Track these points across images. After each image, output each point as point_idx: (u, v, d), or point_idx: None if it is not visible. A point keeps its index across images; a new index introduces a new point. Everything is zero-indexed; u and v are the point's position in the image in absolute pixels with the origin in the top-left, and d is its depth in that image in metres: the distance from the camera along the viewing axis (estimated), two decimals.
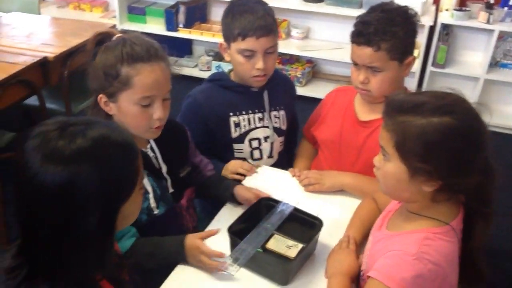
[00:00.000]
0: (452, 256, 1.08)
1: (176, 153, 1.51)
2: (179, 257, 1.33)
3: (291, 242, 1.38)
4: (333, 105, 1.81)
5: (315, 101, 3.72)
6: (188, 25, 4.02)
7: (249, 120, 1.78)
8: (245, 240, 1.29)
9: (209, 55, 4.18)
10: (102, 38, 1.29)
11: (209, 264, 1.29)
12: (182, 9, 3.96)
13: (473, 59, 3.64)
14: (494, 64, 3.55)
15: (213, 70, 4.06)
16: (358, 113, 1.71)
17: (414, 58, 1.60)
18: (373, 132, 1.65)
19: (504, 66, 3.56)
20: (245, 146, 1.79)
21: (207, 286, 1.29)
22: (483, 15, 3.31)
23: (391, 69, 1.55)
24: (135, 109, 1.29)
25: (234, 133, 1.77)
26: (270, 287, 1.29)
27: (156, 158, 1.43)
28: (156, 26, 4.10)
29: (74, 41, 2.66)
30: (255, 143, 1.81)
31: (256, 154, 1.82)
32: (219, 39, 3.86)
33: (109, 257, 0.92)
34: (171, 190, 1.48)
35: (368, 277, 1.11)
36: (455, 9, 3.37)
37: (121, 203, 0.90)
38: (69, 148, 0.83)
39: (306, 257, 1.36)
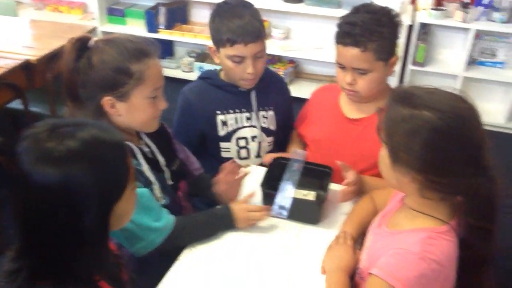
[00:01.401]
0: (453, 256, 1.09)
1: (165, 146, 1.53)
2: (229, 221, 1.44)
3: (305, 191, 1.56)
4: (319, 104, 1.82)
5: (299, 100, 3.74)
6: (169, 26, 4.01)
7: (236, 119, 1.79)
8: (280, 190, 1.46)
9: (191, 56, 4.17)
10: (81, 44, 1.28)
11: (260, 216, 1.45)
12: (162, 10, 3.94)
13: (452, 57, 3.72)
14: (472, 62, 3.63)
15: (196, 71, 4.05)
16: (345, 111, 1.72)
17: (397, 58, 1.62)
18: (362, 130, 1.67)
19: (482, 63, 3.65)
20: (232, 145, 1.81)
21: (203, 284, 1.31)
22: (459, 14, 3.38)
23: (378, 70, 1.56)
24: (146, 103, 1.32)
25: (221, 131, 1.79)
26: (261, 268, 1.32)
27: (152, 152, 1.45)
28: (136, 28, 4.07)
29: (55, 44, 2.63)
30: (242, 142, 1.82)
31: (243, 153, 1.84)
32: (200, 40, 3.92)
33: (106, 256, 0.94)
34: (170, 182, 1.50)
35: (370, 274, 1.11)
36: (432, 9, 3.44)
37: (114, 202, 0.91)
38: (58, 149, 0.84)
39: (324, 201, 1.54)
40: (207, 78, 1.81)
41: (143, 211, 1.27)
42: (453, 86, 3.20)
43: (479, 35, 3.54)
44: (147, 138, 1.45)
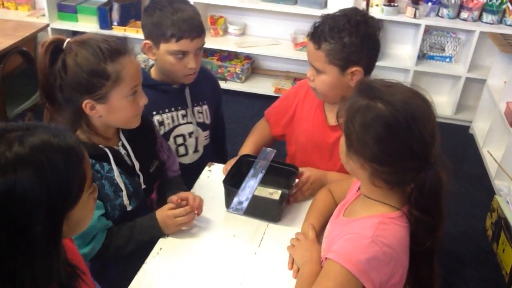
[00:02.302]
0: (405, 240, 1.14)
1: (146, 147, 1.52)
2: (155, 231, 1.39)
3: (271, 190, 1.57)
4: (303, 103, 1.79)
5: (256, 96, 3.84)
6: (123, 22, 3.93)
7: (172, 117, 1.78)
8: (242, 187, 1.47)
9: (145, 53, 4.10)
10: (54, 47, 1.25)
11: (186, 219, 1.40)
12: (116, 6, 3.86)
13: (403, 52, 3.84)
14: (422, 56, 3.77)
15: None
16: (328, 117, 1.72)
17: (360, 71, 1.53)
18: (339, 136, 1.67)
19: (431, 58, 3.79)
20: (170, 144, 1.79)
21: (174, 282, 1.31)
22: (410, 10, 3.50)
23: (330, 74, 1.54)
24: (126, 102, 1.30)
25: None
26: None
27: (128, 155, 1.43)
28: (89, 25, 3.96)
29: (4, 42, 2.52)
30: (180, 140, 1.82)
31: (182, 150, 1.84)
32: None
33: (59, 267, 0.88)
34: (143, 186, 1.48)
35: (326, 259, 1.15)
36: (384, 5, 3.53)
37: (67, 211, 0.88)
38: (5, 156, 0.79)
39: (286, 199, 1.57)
40: None
41: None
42: (405, 80, 3.32)
43: (429, 30, 3.67)
44: (125, 140, 1.43)
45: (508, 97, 3.12)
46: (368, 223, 1.13)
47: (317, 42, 1.51)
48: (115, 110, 1.30)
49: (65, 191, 0.86)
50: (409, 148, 1.06)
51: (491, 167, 3.13)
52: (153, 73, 1.77)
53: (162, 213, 1.40)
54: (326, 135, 1.72)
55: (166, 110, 1.77)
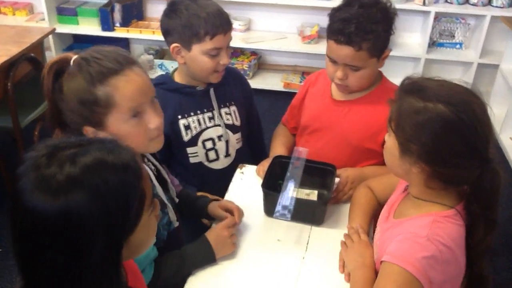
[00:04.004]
0: (461, 239, 1.10)
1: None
2: (208, 256, 1.30)
3: (307, 191, 1.52)
4: (312, 87, 1.79)
5: (264, 92, 3.77)
6: (125, 23, 3.86)
7: (199, 121, 1.69)
8: (283, 191, 1.39)
9: (149, 54, 4.03)
10: (58, 68, 1.11)
11: (232, 232, 1.34)
12: (117, 7, 3.78)
13: (413, 40, 3.79)
14: (432, 44, 3.71)
15: (156, 69, 3.92)
16: (333, 93, 1.69)
17: (390, 50, 1.57)
18: (346, 113, 1.65)
19: (441, 45, 3.74)
20: (199, 149, 1.71)
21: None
22: None
23: (370, 66, 1.53)
24: (128, 126, 1.14)
25: (186, 136, 1.68)
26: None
27: (158, 171, 1.34)
28: (90, 27, 3.89)
29: (13, 50, 2.44)
30: (209, 144, 1.72)
31: (212, 155, 1.74)
32: (159, 36, 3.77)
33: None
34: (176, 200, 1.40)
35: (382, 262, 1.11)
36: None
37: (128, 234, 0.82)
38: (56, 177, 0.74)
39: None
40: (161, 84, 1.65)
41: None
42: (415, 69, 3.25)
43: (438, 17, 3.62)
44: (150, 156, 1.33)
45: None
46: (421, 222, 1.10)
47: (357, 44, 1.45)
48: (118, 136, 1.10)
49: (124, 212, 0.79)
50: (474, 147, 1.04)
51: None
52: (177, 76, 1.69)
53: (212, 233, 1.33)
54: (330, 111, 1.68)
55: (192, 114, 1.68)
